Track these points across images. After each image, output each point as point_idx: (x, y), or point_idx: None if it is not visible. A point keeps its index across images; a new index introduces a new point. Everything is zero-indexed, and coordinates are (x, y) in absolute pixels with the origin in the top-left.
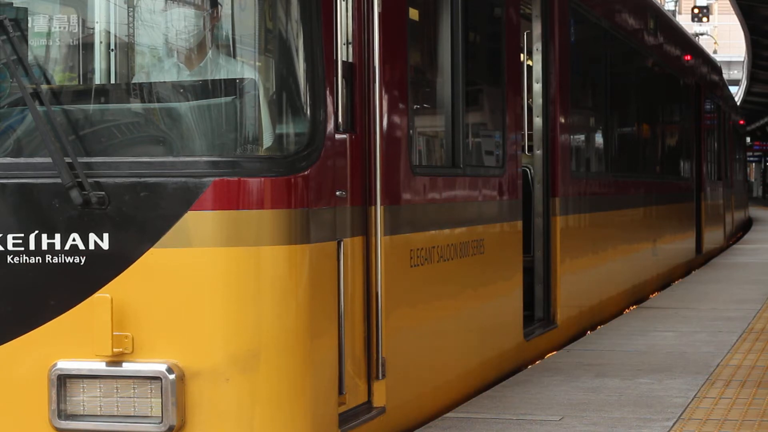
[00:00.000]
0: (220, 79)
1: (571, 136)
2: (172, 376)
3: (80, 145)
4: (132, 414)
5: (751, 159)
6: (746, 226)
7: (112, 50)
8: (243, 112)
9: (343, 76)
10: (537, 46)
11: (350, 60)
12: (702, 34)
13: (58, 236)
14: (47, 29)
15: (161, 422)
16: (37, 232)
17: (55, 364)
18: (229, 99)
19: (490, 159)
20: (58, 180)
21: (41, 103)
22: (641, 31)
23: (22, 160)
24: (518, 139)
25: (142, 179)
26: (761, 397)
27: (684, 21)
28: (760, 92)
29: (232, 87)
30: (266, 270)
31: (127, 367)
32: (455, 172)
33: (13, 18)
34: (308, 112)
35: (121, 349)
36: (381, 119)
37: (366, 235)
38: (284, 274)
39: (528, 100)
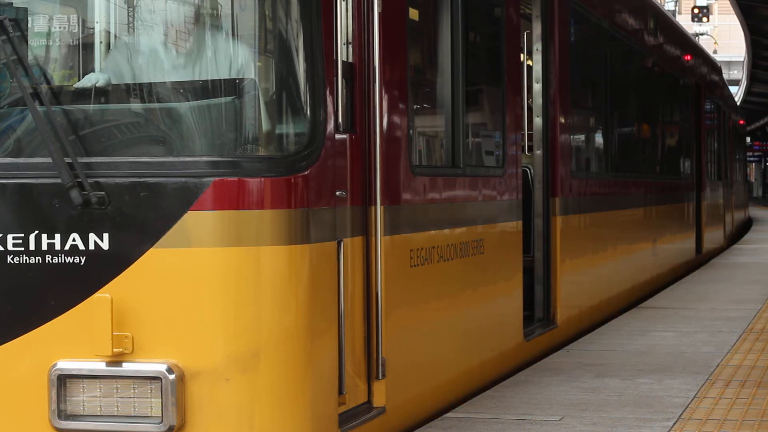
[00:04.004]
0: (220, 79)
1: (571, 136)
2: (172, 376)
3: (80, 145)
4: (132, 414)
5: (751, 159)
6: (746, 226)
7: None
8: (243, 112)
9: (343, 76)
10: (537, 46)
11: (350, 60)
12: (702, 34)
13: (58, 236)
14: (47, 29)
15: (161, 422)
16: (37, 232)
17: (55, 364)
18: (229, 99)
19: (490, 159)
20: (58, 180)
21: (41, 103)
22: (641, 31)
23: (22, 160)
24: (518, 139)
25: (142, 179)
26: (761, 397)
27: (684, 21)
28: (760, 92)
29: (232, 87)
30: (266, 270)
31: (127, 367)
32: (455, 172)
33: (13, 18)
34: (308, 112)
35: (121, 349)
36: (381, 119)
37: (366, 235)
38: (284, 274)
39: (528, 100)
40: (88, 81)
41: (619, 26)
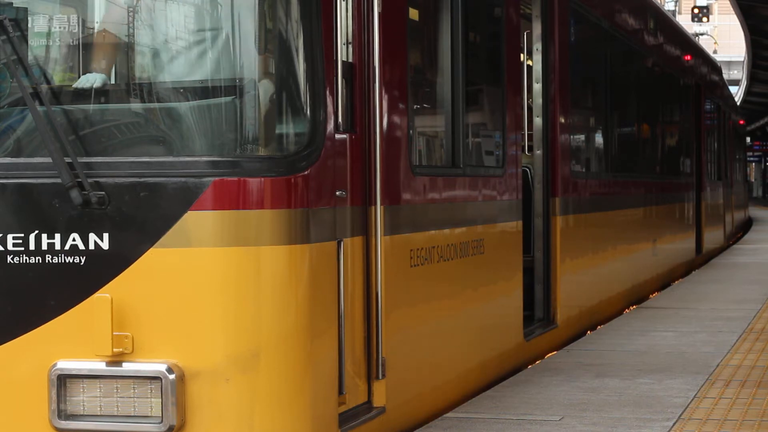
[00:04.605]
0: (220, 79)
1: (571, 136)
2: (172, 376)
3: (80, 145)
4: (132, 414)
5: (751, 159)
6: (746, 226)
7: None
8: (243, 112)
9: (343, 76)
10: (537, 46)
11: (350, 60)
12: (702, 34)
13: (58, 236)
14: (47, 29)
15: (161, 422)
16: (37, 232)
17: (55, 364)
18: (229, 99)
19: (490, 159)
20: (58, 180)
21: (41, 103)
22: (641, 31)
23: (22, 160)
24: (518, 139)
25: (142, 179)
26: (761, 397)
27: (684, 21)
28: (760, 92)
29: (232, 87)
30: (266, 270)
31: (127, 367)
32: (455, 172)
33: (13, 18)
34: (308, 112)
35: (121, 349)
36: (381, 119)
37: (366, 235)
38: (284, 274)
39: (528, 100)
40: (86, 81)
41: (619, 26)
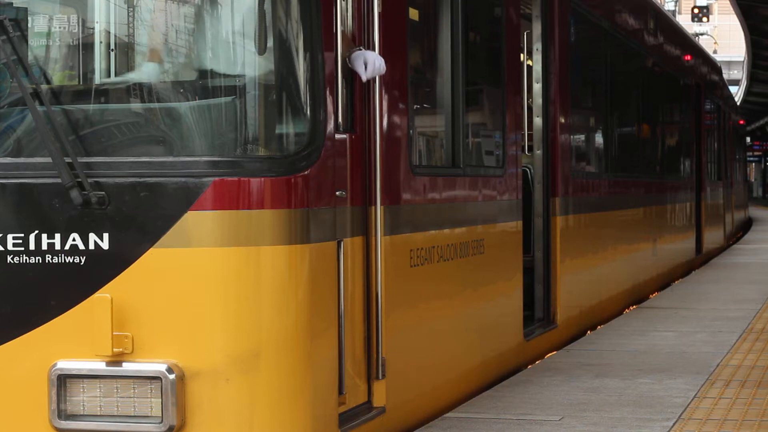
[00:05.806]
0: (220, 79)
1: (571, 136)
2: (172, 376)
3: (80, 145)
4: (132, 414)
5: (751, 159)
6: (746, 226)
7: (112, 50)
8: (243, 112)
9: (343, 76)
10: (537, 46)
11: None
12: (702, 34)
13: (58, 236)
14: (47, 29)
15: (161, 422)
16: (37, 232)
17: (55, 364)
18: (229, 99)
19: (490, 159)
20: (58, 180)
21: (41, 103)
22: (641, 31)
23: (22, 160)
24: (518, 139)
25: (142, 179)
26: (761, 397)
27: (684, 21)
28: (760, 92)
29: (232, 87)
30: (266, 270)
31: (127, 367)
32: (455, 172)
33: (13, 18)
34: (308, 111)
35: (121, 349)
36: (381, 119)
37: (366, 235)
38: (284, 274)
39: (528, 100)
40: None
41: (619, 26)
